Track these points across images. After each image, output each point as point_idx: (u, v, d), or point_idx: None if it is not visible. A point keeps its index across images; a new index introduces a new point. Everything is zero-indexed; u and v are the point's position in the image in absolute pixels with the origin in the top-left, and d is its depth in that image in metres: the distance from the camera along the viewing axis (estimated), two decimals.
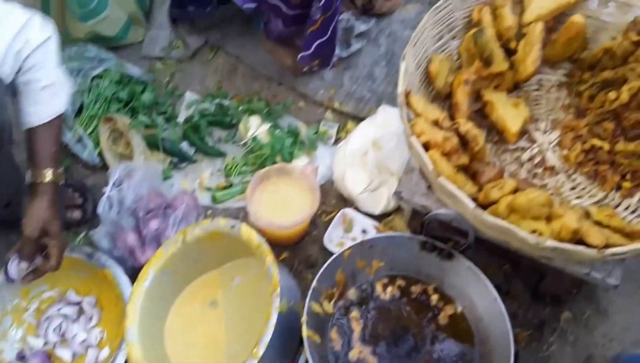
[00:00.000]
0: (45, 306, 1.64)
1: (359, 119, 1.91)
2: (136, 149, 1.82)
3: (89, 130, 1.88)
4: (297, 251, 1.70)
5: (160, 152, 1.87)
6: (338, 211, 1.72)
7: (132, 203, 1.65)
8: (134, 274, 1.55)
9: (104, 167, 1.86)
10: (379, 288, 1.45)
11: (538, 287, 1.53)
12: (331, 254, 1.61)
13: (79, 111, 1.90)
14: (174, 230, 1.64)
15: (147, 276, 1.51)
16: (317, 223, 1.74)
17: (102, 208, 1.63)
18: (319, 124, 1.92)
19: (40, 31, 1.31)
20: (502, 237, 1.20)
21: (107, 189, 1.64)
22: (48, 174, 1.39)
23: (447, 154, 1.31)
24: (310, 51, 1.79)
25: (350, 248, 1.39)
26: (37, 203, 1.38)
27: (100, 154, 1.86)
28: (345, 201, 1.77)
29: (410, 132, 1.27)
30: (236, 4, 1.77)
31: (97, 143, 1.86)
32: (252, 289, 1.57)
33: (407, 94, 1.34)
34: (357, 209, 1.72)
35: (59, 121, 1.42)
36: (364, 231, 1.68)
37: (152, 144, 1.86)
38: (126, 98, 1.93)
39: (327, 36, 1.77)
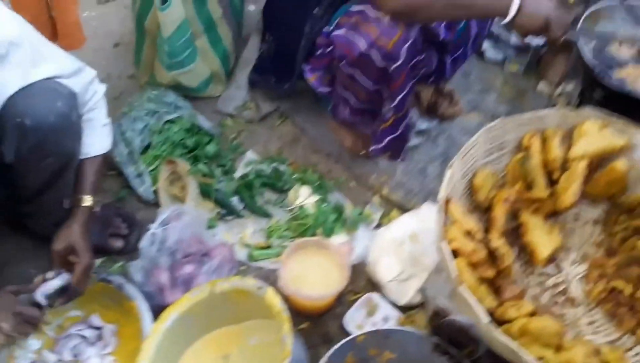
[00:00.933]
0: (69, 324, 1.71)
1: (404, 209, 1.99)
2: (190, 194, 1.95)
3: (151, 168, 2.02)
4: (317, 324, 1.76)
5: (212, 201, 1.99)
6: (364, 294, 1.78)
7: (173, 243, 1.75)
8: (158, 312, 1.61)
9: (156, 205, 1.99)
10: None
11: None
12: (349, 334, 1.68)
13: (146, 148, 2.06)
14: (205, 278, 1.72)
15: (169, 317, 1.59)
16: (343, 301, 1.81)
17: (144, 242, 1.74)
18: (364, 206, 2.01)
19: (102, 84, 1.61)
20: (509, 356, 1.24)
21: (154, 226, 1.75)
22: (87, 200, 1.59)
23: (473, 265, 1.38)
24: (382, 145, 1.91)
25: (365, 334, 1.45)
26: (70, 223, 1.56)
27: (155, 192, 1.99)
28: (374, 286, 1.83)
29: (442, 237, 1.35)
30: (311, 86, 1.91)
31: (155, 181, 2.00)
32: (267, 351, 1.63)
33: (447, 201, 1.42)
34: (383, 296, 1.78)
35: (105, 157, 1.65)
36: (385, 319, 1.73)
37: (206, 192, 1.99)
38: (191, 146, 2.07)
39: (398, 132, 1.88)
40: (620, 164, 1.56)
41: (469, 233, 1.42)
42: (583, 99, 2.14)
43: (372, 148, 1.95)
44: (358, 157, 2.10)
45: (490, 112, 2.27)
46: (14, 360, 1.64)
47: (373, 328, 1.47)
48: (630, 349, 1.42)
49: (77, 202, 1.58)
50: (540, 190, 1.55)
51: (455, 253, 1.36)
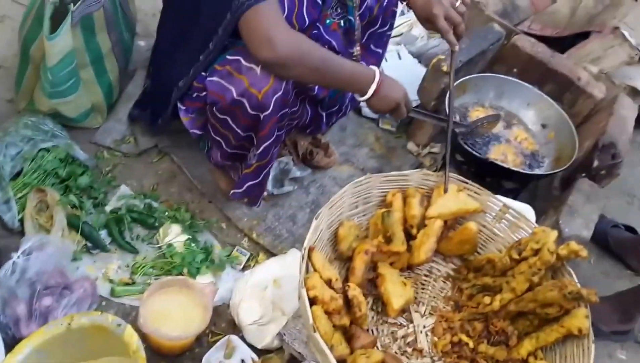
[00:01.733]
0: None
1: (271, 253, 2.05)
2: (56, 225, 1.89)
3: (19, 195, 1.94)
4: None
5: (78, 234, 1.94)
6: (225, 335, 1.80)
7: (34, 274, 1.70)
8: (13, 344, 1.55)
9: (21, 233, 1.91)
10: None
11: None
12: None
13: (17, 175, 1.98)
14: (63, 312, 1.67)
15: (23, 350, 1.53)
16: (202, 341, 1.81)
17: (3, 271, 1.68)
18: (233, 248, 2.04)
19: None
20: None
21: (15, 255, 1.70)
22: None
23: (330, 313, 1.44)
24: (241, 190, 1.95)
25: None
26: None
27: (21, 221, 1.92)
28: (234, 328, 1.85)
29: (303, 284, 1.41)
30: (185, 126, 1.94)
31: (22, 209, 1.92)
32: None
33: (311, 250, 1.49)
34: (243, 338, 1.80)
35: None
36: (242, 361, 1.76)
37: (73, 224, 1.93)
38: (64, 176, 2.01)
39: (258, 180, 1.93)
40: (471, 226, 1.71)
41: (328, 282, 1.48)
42: (444, 161, 2.32)
43: (232, 191, 1.99)
44: (231, 200, 2.14)
45: (361, 166, 2.40)
46: None
47: None
48: None
49: None
50: (398, 244, 1.66)
51: (314, 301, 1.41)
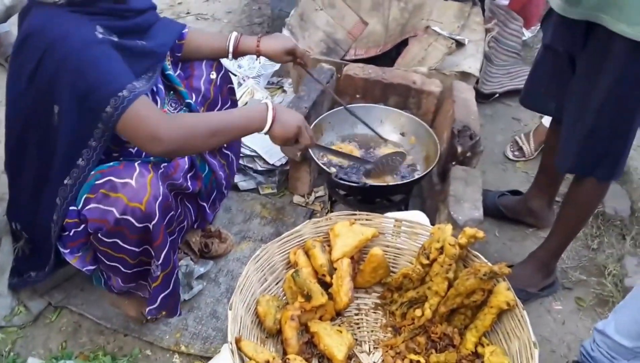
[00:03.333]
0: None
1: (206, 358, 1.99)
2: None
3: None
4: None
5: None
6: None
7: None
8: None
9: None
10: None
11: None
12: None
13: None
14: None
15: None
16: None
17: None
18: None
19: None
20: None
21: None
22: None
23: None
24: (156, 305, 1.89)
25: None
26: None
27: None
28: None
29: None
30: (76, 267, 1.87)
31: None
32: None
33: (238, 341, 1.47)
34: None
35: None
36: None
37: None
38: None
39: (170, 289, 1.89)
40: (376, 251, 1.76)
41: None
42: (334, 199, 2.39)
43: (147, 309, 1.93)
44: (146, 322, 2.07)
45: (258, 237, 2.41)
46: None
47: None
48: None
49: None
50: (318, 297, 1.67)
51: None
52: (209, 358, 1.98)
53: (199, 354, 2.02)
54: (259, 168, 2.63)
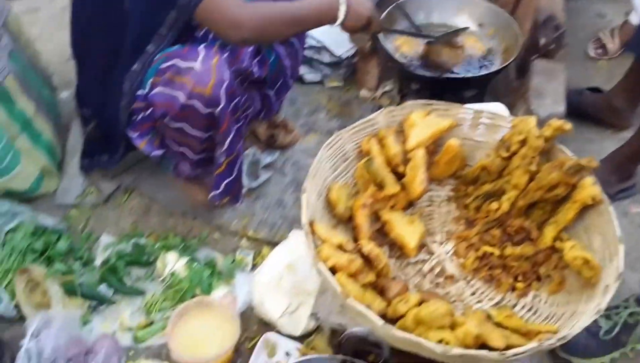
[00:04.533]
0: None
1: (273, 244, 2.01)
2: (53, 298, 1.83)
3: (4, 283, 1.87)
4: None
5: (78, 297, 1.88)
6: (260, 337, 1.77)
7: (51, 352, 1.64)
8: None
9: (22, 319, 1.85)
10: None
11: None
12: None
13: None
14: None
15: None
16: (241, 350, 1.78)
17: (20, 361, 1.62)
18: (235, 253, 2.00)
19: None
20: (413, 349, 1.29)
21: (25, 342, 1.64)
22: None
23: (353, 275, 1.42)
24: (219, 190, 1.90)
25: None
26: None
27: (17, 307, 1.85)
28: (267, 325, 1.82)
29: (317, 259, 1.38)
30: (144, 153, 1.88)
31: (13, 296, 1.85)
32: None
33: (311, 223, 1.46)
34: (279, 332, 1.78)
35: None
36: (287, 354, 1.73)
37: (70, 290, 1.87)
38: (41, 248, 1.94)
39: (233, 176, 1.89)
40: (453, 142, 1.70)
41: (340, 247, 1.46)
42: (403, 94, 2.31)
43: (211, 194, 1.95)
44: (214, 208, 2.09)
45: (324, 130, 2.37)
46: None
47: None
48: (515, 305, 1.54)
49: None
50: (391, 187, 1.64)
51: (334, 270, 1.39)
52: (276, 243, 2.00)
53: (265, 239, 2.04)
54: (325, 60, 2.55)
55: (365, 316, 1.28)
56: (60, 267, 1.90)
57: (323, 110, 2.47)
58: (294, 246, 1.89)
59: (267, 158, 2.20)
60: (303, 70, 2.55)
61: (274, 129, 2.28)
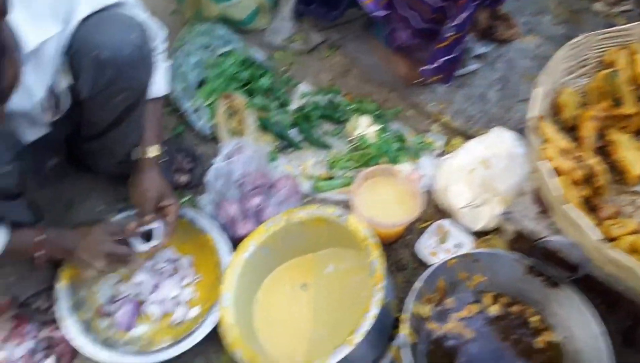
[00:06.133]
0: (142, 259, 1.68)
1: (465, 136, 1.95)
2: (248, 128, 1.90)
3: (207, 103, 1.95)
4: (389, 253, 1.73)
5: (270, 135, 1.94)
6: (433, 221, 1.75)
7: (239, 177, 1.73)
8: (231, 244, 1.63)
9: (214, 139, 1.94)
10: (485, 301, 1.47)
11: (630, 333, 1.52)
12: (421, 261, 1.66)
13: (201, 83, 1.99)
14: (274, 209, 1.69)
15: (248, 248, 1.58)
16: (412, 229, 1.78)
17: (210, 176, 1.71)
18: (425, 134, 1.96)
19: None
20: (620, 274, 1.21)
21: (217, 160, 1.72)
22: (154, 150, 1.56)
23: (573, 184, 1.33)
24: (434, 65, 1.83)
25: (455, 258, 1.42)
26: (150, 175, 1.56)
27: (212, 127, 1.93)
28: (441, 213, 1.79)
29: (540, 156, 1.30)
30: (366, 10, 1.83)
31: (212, 116, 1.94)
32: (343, 279, 1.62)
33: (540, 119, 1.37)
34: (454, 222, 1.74)
35: (162, 104, 1.61)
36: (457, 245, 1.70)
37: (264, 126, 1.93)
38: (246, 79, 2.00)
39: (453, 54, 1.81)
40: None
41: (564, 152, 1.37)
42: None
43: (424, 67, 1.87)
44: (413, 85, 2.04)
45: (546, 34, 2.19)
46: (94, 294, 1.63)
47: (460, 254, 1.42)
48: None
49: (144, 153, 1.56)
50: (630, 106, 1.50)
51: (555, 172, 1.31)
52: (469, 136, 1.93)
53: (459, 129, 1.97)
54: None
55: (579, 227, 1.21)
56: (259, 101, 1.96)
57: (549, 13, 2.27)
58: (493, 143, 1.80)
59: (480, 48, 2.09)
60: None
61: (494, 20, 2.13)
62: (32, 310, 1.62)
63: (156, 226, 1.55)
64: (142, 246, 1.54)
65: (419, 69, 1.92)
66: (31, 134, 1.43)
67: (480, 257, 1.44)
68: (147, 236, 1.57)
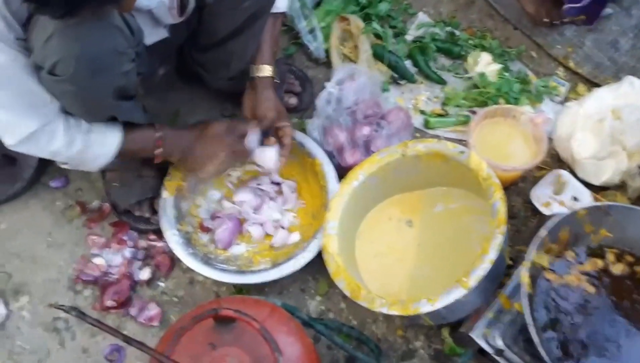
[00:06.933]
0: (247, 177, 1.68)
1: (591, 83, 1.82)
2: (362, 55, 1.83)
3: (323, 24, 1.89)
4: None
5: (384, 64, 1.86)
6: (550, 170, 1.65)
7: (351, 104, 1.68)
8: (336, 172, 1.59)
9: (325, 63, 1.88)
10: (609, 257, 1.39)
11: None
12: (535, 210, 1.58)
13: (319, 3, 1.92)
14: (384, 141, 1.63)
15: (357, 177, 1.54)
16: (526, 176, 1.69)
17: (320, 101, 1.66)
18: (549, 78, 1.84)
19: None
20: None
21: (330, 85, 1.67)
22: (268, 70, 1.53)
23: None
24: (580, 4, 1.70)
25: (585, 209, 1.34)
26: (267, 94, 1.53)
27: (326, 50, 1.87)
28: (559, 162, 1.70)
29: None
30: None
31: (326, 39, 1.87)
32: (452, 219, 1.57)
33: None
34: (572, 173, 1.64)
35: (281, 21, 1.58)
36: (574, 198, 1.60)
37: (378, 54, 1.86)
38: (364, 2, 1.92)
39: None
40: None
41: None
42: None
43: (568, 5, 1.74)
44: (541, 24, 1.90)
45: None
46: (197, 208, 1.64)
47: (592, 205, 1.34)
48: None
49: (259, 72, 1.53)
50: None
51: None
52: (596, 84, 1.81)
53: (586, 76, 1.84)
54: None
55: None
56: (376, 27, 1.87)
57: None
58: (624, 93, 1.68)
59: None
60: None
61: None
62: (135, 218, 1.63)
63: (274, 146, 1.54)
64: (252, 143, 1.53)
65: (551, 14, 1.80)
66: (151, 36, 1.41)
67: (612, 211, 1.35)
68: None
